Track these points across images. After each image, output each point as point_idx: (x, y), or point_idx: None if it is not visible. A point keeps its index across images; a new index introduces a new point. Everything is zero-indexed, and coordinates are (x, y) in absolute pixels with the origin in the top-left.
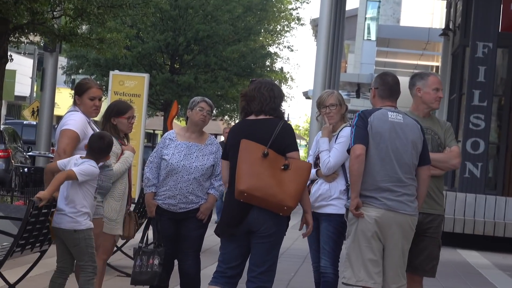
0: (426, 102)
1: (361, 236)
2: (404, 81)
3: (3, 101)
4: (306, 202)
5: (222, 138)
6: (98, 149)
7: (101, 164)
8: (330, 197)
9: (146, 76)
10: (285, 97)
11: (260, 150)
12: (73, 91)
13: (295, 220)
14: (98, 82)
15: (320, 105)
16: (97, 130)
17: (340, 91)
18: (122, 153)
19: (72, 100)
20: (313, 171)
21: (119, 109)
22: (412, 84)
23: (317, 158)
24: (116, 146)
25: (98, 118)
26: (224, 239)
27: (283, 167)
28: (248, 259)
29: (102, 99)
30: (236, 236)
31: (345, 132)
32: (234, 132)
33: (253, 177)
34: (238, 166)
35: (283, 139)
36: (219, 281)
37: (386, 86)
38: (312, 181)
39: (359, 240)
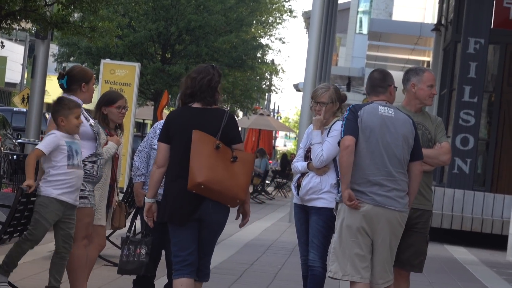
0: (420, 98)
1: (347, 231)
2: (395, 75)
3: None
4: (248, 192)
5: None
6: (54, 113)
7: (92, 153)
8: (320, 190)
9: (137, 65)
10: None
11: (212, 142)
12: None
13: (281, 213)
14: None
15: (313, 98)
16: (90, 119)
17: None
18: (106, 143)
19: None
20: (304, 164)
21: (110, 98)
22: (407, 79)
23: (308, 151)
24: (102, 136)
25: (90, 106)
26: (175, 228)
27: (232, 159)
28: None
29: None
30: (189, 223)
31: (338, 126)
32: (178, 118)
33: (209, 170)
34: (192, 157)
35: (230, 131)
36: (185, 271)
37: (369, 82)
38: (303, 174)
39: (345, 235)
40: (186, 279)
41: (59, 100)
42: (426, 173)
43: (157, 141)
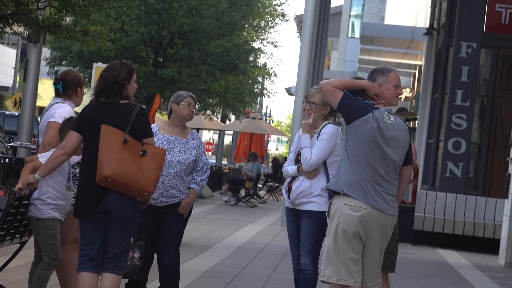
0: (386, 98)
1: (342, 236)
2: None
3: None
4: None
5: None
6: (64, 129)
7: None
8: (311, 194)
9: None
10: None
11: (120, 136)
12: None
13: (273, 217)
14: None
15: (305, 98)
16: None
17: None
18: None
19: (54, 91)
20: (294, 167)
21: None
22: (373, 79)
23: (298, 155)
24: None
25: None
26: (83, 222)
27: (141, 153)
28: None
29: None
30: (94, 217)
31: (328, 129)
32: (90, 113)
33: (116, 163)
34: (100, 151)
35: (139, 125)
36: (87, 265)
37: None
38: (293, 178)
39: (340, 239)
40: (87, 273)
41: (71, 119)
42: None
43: (70, 129)
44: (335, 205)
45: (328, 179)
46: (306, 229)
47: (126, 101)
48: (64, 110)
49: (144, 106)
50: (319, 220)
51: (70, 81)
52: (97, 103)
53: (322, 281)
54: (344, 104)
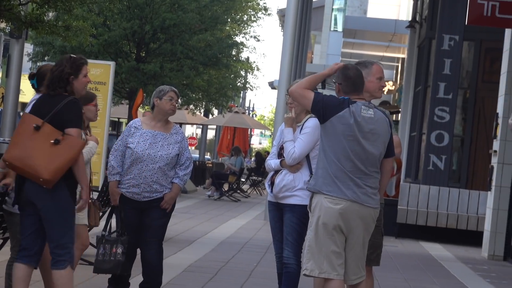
0: (370, 91)
1: (323, 229)
2: None
3: None
4: (81, 177)
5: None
6: None
7: None
8: (294, 187)
9: (112, 64)
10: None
11: (33, 123)
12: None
13: (257, 211)
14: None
15: (288, 92)
16: None
17: None
18: (86, 143)
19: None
20: (277, 161)
21: (88, 97)
22: None
23: (281, 149)
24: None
25: None
26: (21, 214)
27: (53, 141)
28: None
29: None
30: (24, 206)
31: (310, 123)
32: (34, 105)
33: (14, 147)
34: (11, 137)
35: (62, 114)
36: (19, 256)
37: (349, 81)
38: (276, 172)
39: (321, 232)
40: (17, 264)
41: None
42: None
43: None
44: (315, 199)
45: (311, 172)
46: (289, 222)
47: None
48: None
49: (127, 101)
50: (302, 213)
51: (44, 76)
52: (42, 95)
53: (304, 275)
54: (318, 103)
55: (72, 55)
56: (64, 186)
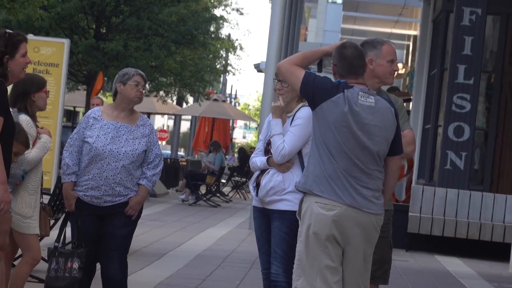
0: (379, 76)
1: (315, 239)
2: None
3: None
4: None
5: (157, 118)
6: None
7: None
8: (283, 190)
9: (66, 41)
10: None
11: None
12: None
13: (240, 218)
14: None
15: (276, 76)
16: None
17: None
18: (37, 137)
19: None
20: (264, 159)
21: (39, 82)
22: None
23: (269, 144)
24: (32, 129)
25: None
26: None
27: None
28: None
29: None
30: None
31: (303, 113)
32: None
33: None
34: None
35: None
36: None
37: (345, 62)
38: (262, 172)
39: (312, 244)
40: None
41: None
42: None
43: None
44: (305, 203)
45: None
46: (277, 232)
47: None
48: None
49: (84, 87)
50: (293, 221)
51: None
52: None
53: None
54: (307, 84)
55: (7, 30)
56: None
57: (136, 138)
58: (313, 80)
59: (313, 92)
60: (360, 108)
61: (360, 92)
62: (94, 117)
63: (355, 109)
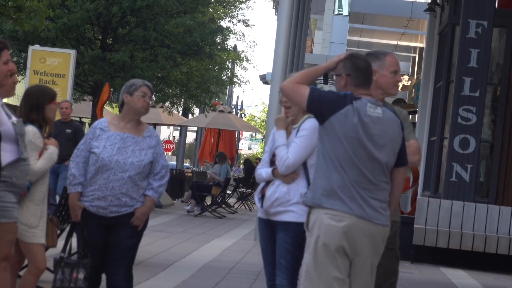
0: (383, 87)
1: (324, 250)
2: None
3: None
4: None
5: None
6: None
7: (15, 158)
8: (288, 201)
9: (72, 52)
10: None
11: None
12: None
13: (245, 229)
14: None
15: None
16: (12, 116)
17: None
18: (44, 148)
19: None
20: (269, 170)
21: (51, 94)
22: None
23: (274, 155)
24: (39, 140)
25: (12, 101)
26: None
27: None
28: None
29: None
30: None
31: (308, 125)
32: None
33: None
34: None
35: None
36: None
37: (360, 72)
38: (268, 183)
39: (321, 255)
40: None
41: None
42: None
43: None
44: (314, 215)
45: (309, 183)
46: (282, 243)
47: None
48: None
49: (90, 98)
50: (298, 233)
51: None
52: None
53: None
54: (314, 100)
55: None
56: None
57: (143, 149)
58: (319, 95)
59: (320, 107)
60: (369, 119)
61: (368, 103)
62: (100, 128)
63: (364, 120)
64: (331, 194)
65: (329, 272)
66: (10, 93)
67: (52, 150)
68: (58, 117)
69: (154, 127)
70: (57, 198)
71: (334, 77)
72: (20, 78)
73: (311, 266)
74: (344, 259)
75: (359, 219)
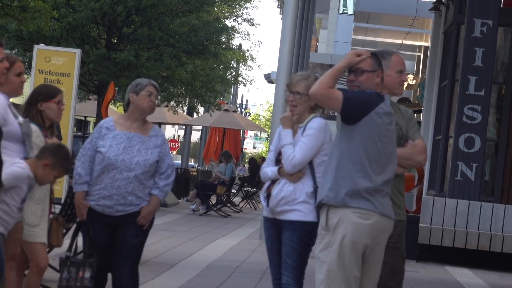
0: (388, 86)
1: (352, 249)
2: None
3: None
4: None
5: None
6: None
7: (22, 157)
8: (294, 200)
9: (77, 51)
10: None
11: None
12: None
13: (251, 228)
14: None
15: (288, 87)
16: (18, 116)
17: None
18: None
19: None
20: (275, 169)
21: (48, 92)
22: None
23: (280, 154)
24: (39, 138)
25: (19, 100)
26: None
27: None
28: None
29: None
30: None
31: (315, 124)
32: None
33: None
34: None
35: None
36: None
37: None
38: (273, 182)
39: (348, 254)
40: None
41: (61, 148)
42: (398, 177)
43: None
44: (338, 213)
45: (315, 182)
46: (288, 242)
47: None
48: None
49: (95, 97)
50: (304, 232)
51: None
52: None
53: None
54: (349, 102)
55: None
56: None
57: (149, 148)
58: (353, 97)
59: (356, 108)
60: (391, 116)
61: (390, 101)
62: (106, 127)
63: (391, 118)
64: (356, 194)
65: (351, 271)
66: (18, 92)
67: None
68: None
69: (159, 126)
70: None
71: (352, 74)
72: (25, 77)
73: (334, 265)
74: (361, 257)
75: (382, 216)
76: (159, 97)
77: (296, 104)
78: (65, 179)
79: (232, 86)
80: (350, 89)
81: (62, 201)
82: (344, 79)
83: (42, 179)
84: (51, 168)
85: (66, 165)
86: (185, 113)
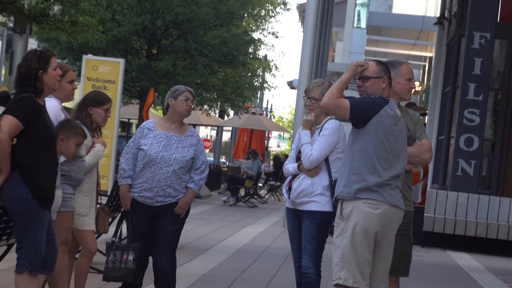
0: (398, 93)
1: (363, 236)
2: None
3: None
4: None
5: (202, 129)
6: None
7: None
8: (312, 193)
9: (121, 61)
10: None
11: None
12: None
13: (275, 217)
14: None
15: (305, 93)
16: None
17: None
18: (92, 146)
19: None
20: (295, 165)
21: (99, 99)
22: None
23: (299, 152)
24: (87, 138)
25: (70, 104)
26: None
27: None
28: None
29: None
30: None
31: (330, 125)
32: None
33: None
34: None
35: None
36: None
37: (391, 77)
38: (294, 176)
39: (359, 240)
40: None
41: (67, 121)
42: (406, 173)
43: None
44: (350, 204)
45: (330, 177)
46: (307, 230)
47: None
48: (49, 105)
49: (137, 101)
50: (321, 220)
51: None
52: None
53: (336, 285)
54: (356, 109)
55: (37, 49)
56: (22, 184)
57: (185, 146)
58: (359, 104)
59: (362, 113)
60: (397, 118)
61: (395, 104)
62: (148, 128)
63: (396, 119)
64: (366, 188)
65: (363, 255)
66: (70, 98)
67: (98, 148)
68: (111, 118)
69: (194, 127)
70: None
71: (360, 81)
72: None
73: (347, 249)
74: (373, 243)
75: (391, 206)
76: (194, 102)
77: (313, 108)
78: (111, 174)
79: (259, 92)
80: (356, 97)
81: (108, 193)
82: (354, 86)
83: (66, 153)
84: (66, 140)
85: (77, 130)
86: (217, 115)
